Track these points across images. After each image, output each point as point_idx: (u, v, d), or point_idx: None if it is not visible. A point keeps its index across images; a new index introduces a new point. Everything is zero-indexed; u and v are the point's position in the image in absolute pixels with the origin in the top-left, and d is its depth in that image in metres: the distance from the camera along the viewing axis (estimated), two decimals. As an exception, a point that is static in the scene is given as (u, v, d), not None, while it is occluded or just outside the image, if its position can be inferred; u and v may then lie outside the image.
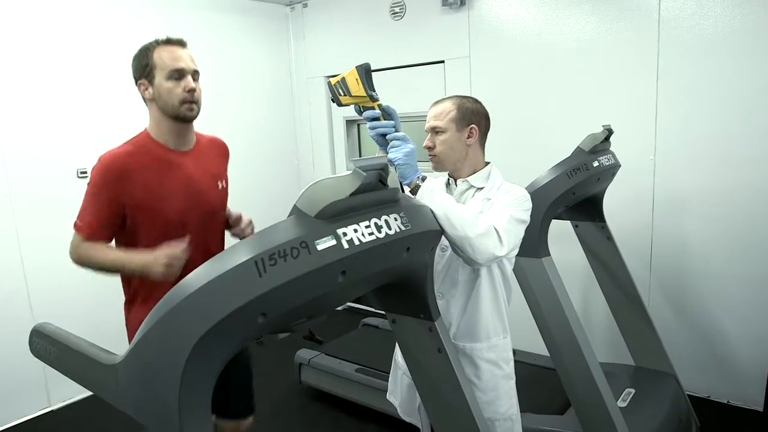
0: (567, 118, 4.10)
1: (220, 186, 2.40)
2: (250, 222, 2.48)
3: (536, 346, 3.19)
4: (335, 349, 4.18)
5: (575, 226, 3.41)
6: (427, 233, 1.74)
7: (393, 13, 4.98)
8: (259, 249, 1.28)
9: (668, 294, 3.91)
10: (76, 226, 2.14)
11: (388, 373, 3.60)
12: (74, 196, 3.99)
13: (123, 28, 4.32)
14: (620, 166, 3.08)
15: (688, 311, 3.85)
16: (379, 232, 1.49)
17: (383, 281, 1.79)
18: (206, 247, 2.26)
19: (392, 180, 1.58)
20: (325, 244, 1.35)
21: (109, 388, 1.45)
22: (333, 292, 1.50)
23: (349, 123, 5.72)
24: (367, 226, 1.46)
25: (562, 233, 3.33)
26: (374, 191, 1.49)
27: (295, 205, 1.41)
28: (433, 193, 1.87)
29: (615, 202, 3.37)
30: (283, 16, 5.79)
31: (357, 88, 1.93)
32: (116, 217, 2.12)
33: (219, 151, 2.48)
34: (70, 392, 4.19)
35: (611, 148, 3.07)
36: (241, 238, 2.46)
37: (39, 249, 3.99)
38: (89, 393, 4.03)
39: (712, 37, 3.48)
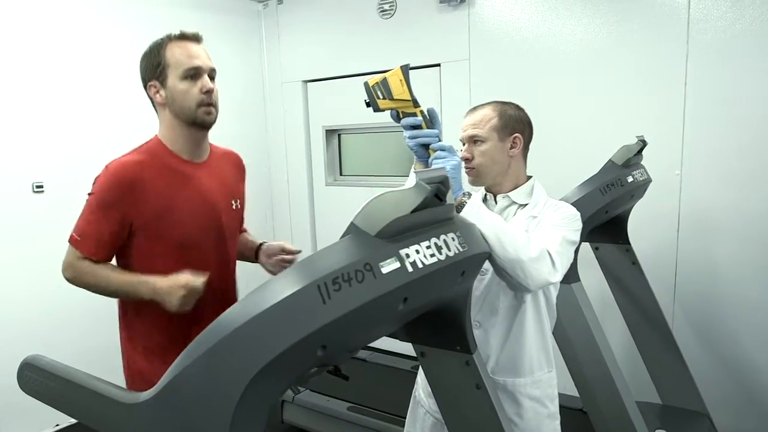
0: (582, 130, 4.11)
1: (234, 206, 2.34)
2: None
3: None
4: (321, 384, 4.08)
5: (595, 249, 3.42)
6: (480, 256, 1.72)
7: (382, 11, 4.97)
8: (321, 272, 1.24)
9: (694, 323, 3.92)
10: (73, 240, 2.07)
11: (385, 412, 3.56)
12: (30, 213, 3.94)
13: (78, 25, 4.25)
14: (651, 181, 3.10)
15: (716, 342, 3.85)
16: (440, 253, 1.47)
17: (425, 310, 1.76)
18: (215, 276, 2.17)
19: (449, 195, 1.56)
20: (389, 266, 1.32)
21: (129, 429, 1.41)
22: (387, 322, 1.47)
23: (329, 132, 5.69)
24: (428, 247, 1.44)
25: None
26: (431, 207, 1.47)
27: (352, 222, 1.39)
28: (481, 211, 1.86)
29: (636, 221, 3.36)
30: (254, 14, 5.76)
31: (401, 90, 1.91)
32: (121, 235, 2.07)
33: (235, 167, 2.43)
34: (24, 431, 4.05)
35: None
36: (277, 270, 2.39)
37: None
38: None
39: (748, 39, 3.50)
